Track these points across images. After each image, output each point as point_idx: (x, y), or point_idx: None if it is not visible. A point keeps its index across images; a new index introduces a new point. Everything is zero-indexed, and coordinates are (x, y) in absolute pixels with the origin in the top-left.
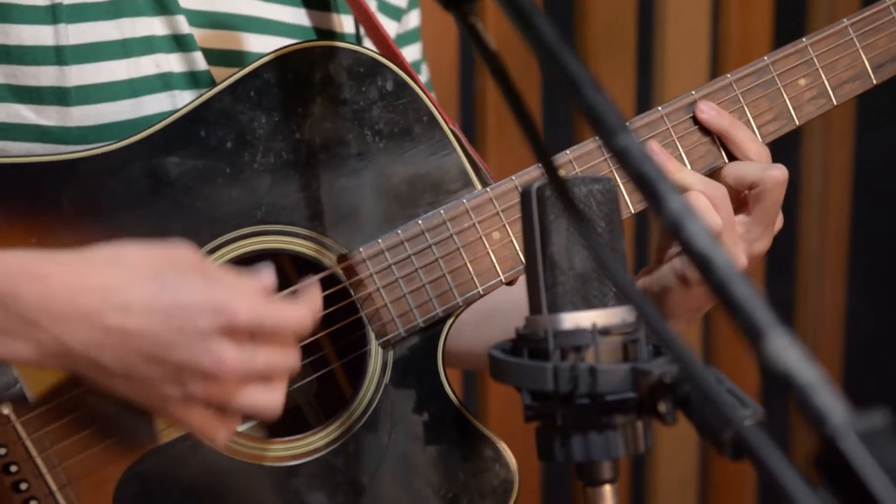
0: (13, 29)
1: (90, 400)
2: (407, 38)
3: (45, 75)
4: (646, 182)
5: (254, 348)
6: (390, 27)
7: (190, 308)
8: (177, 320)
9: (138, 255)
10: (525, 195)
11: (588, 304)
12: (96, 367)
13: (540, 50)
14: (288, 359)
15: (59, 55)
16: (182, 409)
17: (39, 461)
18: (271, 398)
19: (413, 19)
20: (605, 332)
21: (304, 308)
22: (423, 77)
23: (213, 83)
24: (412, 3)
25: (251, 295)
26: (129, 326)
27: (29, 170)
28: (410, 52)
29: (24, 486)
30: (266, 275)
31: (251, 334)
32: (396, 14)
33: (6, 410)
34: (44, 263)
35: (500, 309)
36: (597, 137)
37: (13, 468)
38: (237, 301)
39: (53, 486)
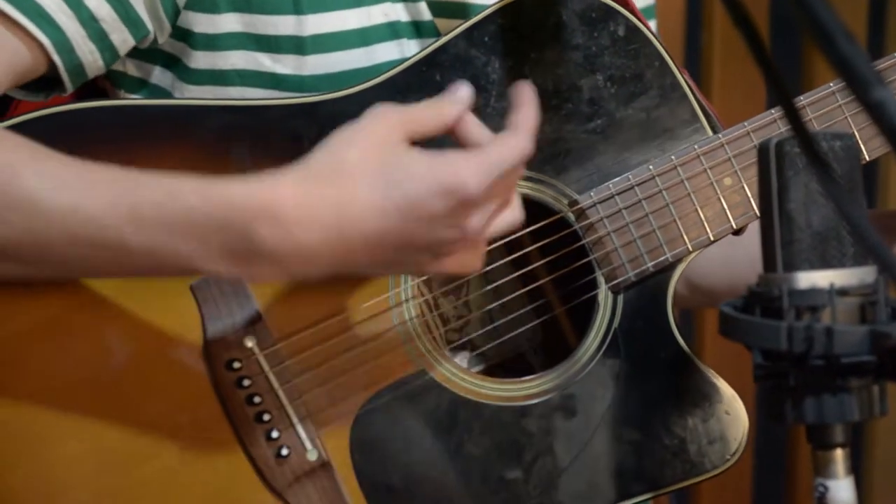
0: None
1: (330, 333)
2: None
3: (282, 24)
4: None
5: (489, 199)
6: None
7: (421, 198)
8: (412, 213)
9: (356, 151)
10: (763, 150)
11: (825, 264)
12: (351, 270)
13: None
14: (517, 173)
15: (297, 4)
16: (437, 265)
17: (281, 393)
18: (512, 216)
19: None
20: (842, 292)
21: (520, 135)
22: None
23: (436, 33)
24: None
25: (473, 161)
26: (369, 239)
27: (270, 112)
28: None
29: (266, 416)
30: (464, 90)
31: (488, 196)
32: None
33: (250, 343)
34: (276, 202)
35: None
36: (832, 84)
37: (257, 399)
38: (463, 176)
39: (294, 418)
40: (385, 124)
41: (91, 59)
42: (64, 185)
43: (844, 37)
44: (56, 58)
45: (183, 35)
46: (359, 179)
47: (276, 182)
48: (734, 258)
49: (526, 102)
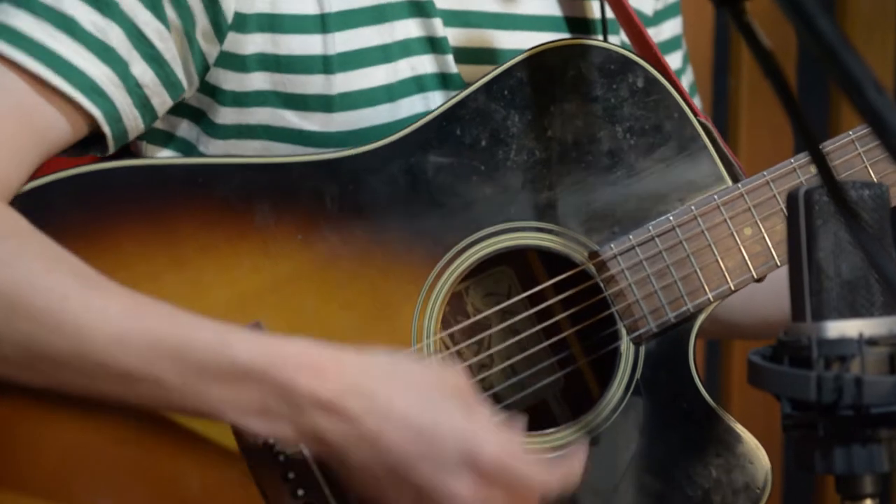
0: (283, 39)
1: None
2: (667, 13)
3: (311, 84)
4: None
5: (490, 491)
6: (647, 4)
7: (442, 434)
8: (426, 442)
9: (412, 371)
10: (792, 199)
11: (854, 313)
12: (343, 462)
13: (820, 49)
14: None
15: (326, 64)
16: None
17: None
18: None
19: None
20: (872, 342)
21: (555, 475)
22: (686, 81)
23: (462, 84)
24: None
25: (504, 440)
26: (383, 435)
27: (292, 169)
28: (671, 28)
29: (297, 484)
30: (519, 421)
31: (492, 478)
32: None
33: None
34: (324, 358)
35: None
36: (851, 132)
37: (290, 475)
38: (487, 441)
39: (325, 488)
40: (450, 374)
41: (134, 123)
42: (110, 316)
43: (873, 87)
44: (106, 128)
45: (211, 91)
46: (403, 388)
47: (331, 350)
48: (756, 291)
49: (576, 457)
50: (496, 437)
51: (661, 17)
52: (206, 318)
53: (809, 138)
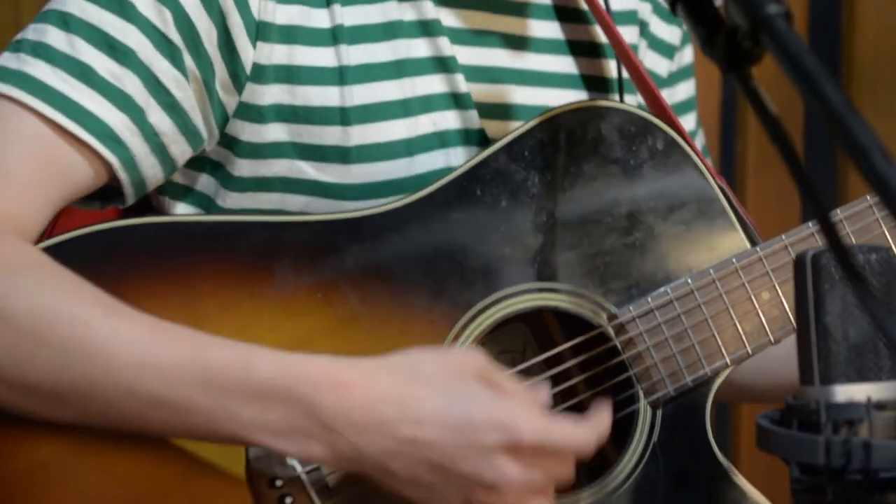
0: (301, 90)
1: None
2: (681, 74)
3: (328, 135)
4: None
5: (534, 464)
6: (662, 65)
7: (477, 424)
8: (464, 435)
9: (432, 365)
10: (800, 262)
11: (862, 377)
12: (386, 472)
13: (826, 115)
14: (564, 473)
15: (344, 116)
16: None
17: None
18: None
19: (687, 56)
20: (880, 406)
21: (588, 430)
22: (699, 143)
23: (484, 139)
24: (684, 39)
25: (536, 413)
26: (419, 438)
27: (312, 228)
28: (685, 90)
29: None
30: (542, 391)
31: (536, 452)
32: (669, 52)
33: (292, 461)
34: (346, 372)
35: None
36: (868, 197)
37: None
38: (522, 420)
39: None
40: (467, 359)
41: (152, 172)
42: (135, 341)
43: (880, 154)
44: (122, 175)
45: (229, 143)
46: (428, 388)
47: (352, 364)
48: (769, 353)
49: (605, 412)
50: (529, 412)
51: (675, 78)
52: (231, 340)
53: (816, 204)
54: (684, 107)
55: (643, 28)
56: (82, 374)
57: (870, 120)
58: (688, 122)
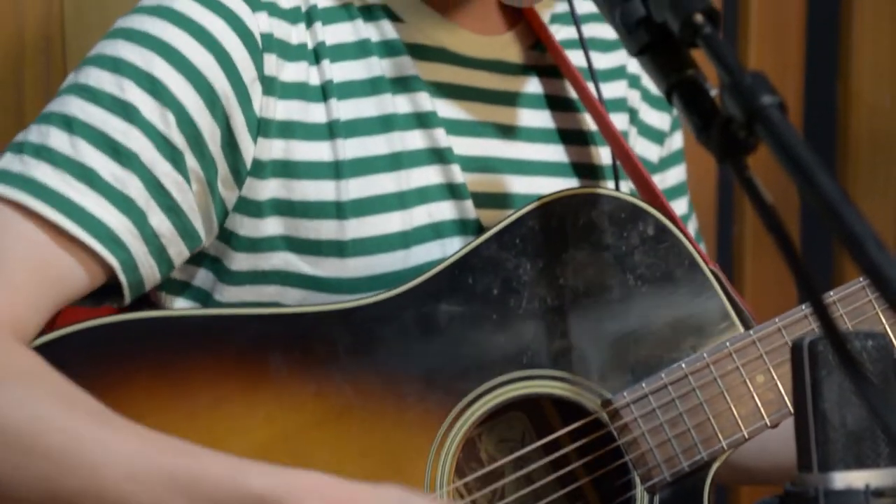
0: (297, 184)
1: None
2: (671, 160)
3: (324, 229)
4: None
5: None
6: (652, 151)
7: None
8: None
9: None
10: (797, 349)
11: (860, 464)
12: None
13: (821, 206)
14: None
15: (340, 210)
16: None
17: None
18: None
19: (676, 141)
20: (878, 493)
21: None
22: (692, 227)
23: (480, 228)
24: (674, 125)
25: None
26: None
27: (305, 320)
28: (675, 175)
29: None
30: None
31: None
32: (659, 138)
33: None
34: (338, 490)
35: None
36: (861, 279)
37: None
38: None
39: None
40: None
41: (150, 273)
42: (124, 454)
43: (874, 244)
44: (122, 277)
45: (227, 237)
46: None
47: (345, 484)
48: (768, 435)
49: None
50: None
51: (666, 164)
52: (220, 453)
53: (812, 293)
54: (676, 192)
55: (633, 115)
56: (71, 487)
57: (866, 203)
58: (680, 206)
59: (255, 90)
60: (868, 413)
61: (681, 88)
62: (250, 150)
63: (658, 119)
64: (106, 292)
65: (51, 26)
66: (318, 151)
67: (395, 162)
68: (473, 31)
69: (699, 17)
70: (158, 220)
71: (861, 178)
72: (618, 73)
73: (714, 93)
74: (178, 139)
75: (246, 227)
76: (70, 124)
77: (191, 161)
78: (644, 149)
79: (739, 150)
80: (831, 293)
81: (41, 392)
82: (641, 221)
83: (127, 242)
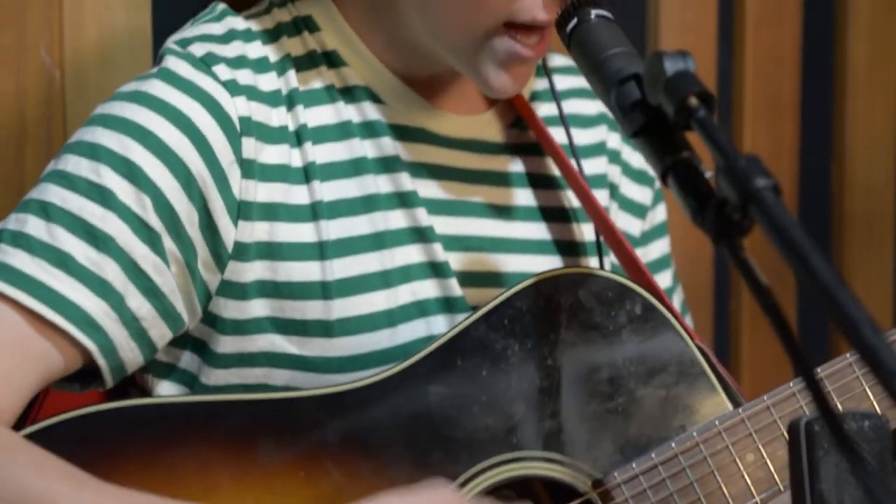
0: (282, 266)
1: None
2: (654, 233)
3: (310, 309)
4: None
5: None
6: (634, 225)
7: None
8: None
9: None
10: (793, 430)
11: None
12: None
13: (816, 289)
14: None
15: (325, 290)
16: None
17: None
18: None
19: (659, 214)
20: None
21: None
22: (677, 300)
23: (465, 306)
24: (656, 198)
25: None
26: None
27: (294, 404)
28: (659, 248)
29: None
30: None
31: None
32: (641, 212)
33: None
34: None
35: None
36: (848, 355)
37: None
38: None
39: None
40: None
41: (132, 356)
42: None
43: (869, 326)
44: (101, 361)
45: (212, 320)
46: None
47: None
48: None
49: None
50: None
51: (648, 237)
52: None
53: (808, 375)
54: (659, 264)
55: (613, 190)
56: None
57: (862, 282)
58: (664, 279)
59: (233, 173)
60: (865, 494)
61: (676, 170)
62: (231, 233)
63: (639, 193)
64: (93, 375)
65: (52, 103)
66: (302, 232)
67: (378, 241)
68: (453, 111)
69: (694, 101)
70: (138, 303)
71: (856, 258)
72: (598, 149)
73: (709, 175)
74: (156, 222)
75: (231, 309)
76: (47, 211)
77: (168, 243)
78: (626, 223)
79: (734, 231)
80: (818, 369)
81: (17, 457)
82: (629, 300)
83: (105, 326)
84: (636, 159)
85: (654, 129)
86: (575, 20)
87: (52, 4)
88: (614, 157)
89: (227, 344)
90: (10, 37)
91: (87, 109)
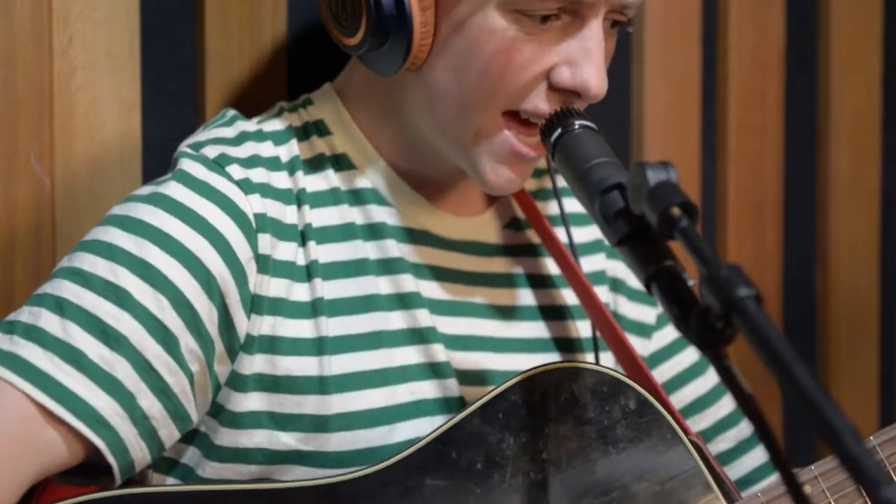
0: (281, 360)
1: None
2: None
3: (307, 404)
4: None
5: None
6: (647, 313)
7: None
8: None
9: None
10: None
11: None
12: None
13: (800, 400)
14: None
15: (323, 385)
16: None
17: None
18: None
19: (669, 334)
20: None
21: None
22: (710, 383)
23: (464, 406)
24: (660, 321)
25: None
26: None
27: (289, 495)
28: (674, 332)
29: None
30: None
31: None
32: (652, 301)
33: None
34: None
35: None
36: (813, 466)
37: None
38: None
39: None
40: None
41: (141, 455)
42: None
43: (852, 437)
44: (111, 459)
45: (216, 411)
46: None
47: None
48: None
49: None
50: None
51: (664, 321)
52: None
53: (792, 485)
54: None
55: (616, 284)
56: None
57: (847, 385)
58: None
59: (250, 269)
60: None
61: (659, 278)
62: (244, 325)
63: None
64: (98, 472)
65: (42, 212)
66: (301, 329)
67: (377, 341)
68: (454, 212)
69: (676, 211)
70: (148, 402)
71: (842, 361)
72: (596, 246)
73: (692, 283)
74: (173, 322)
75: (231, 401)
76: (62, 307)
77: (190, 342)
78: (639, 313)
79: (718, 340)
80: (812, 467)
81: None
82: (623, 395)
83: (114, 424)
84: None
85: (637, 237)
86: (559, 130)
87: (43, 114)
88: (613, 253)
89: (224, 436)
90: (1, 145)
91: (78, 218)
